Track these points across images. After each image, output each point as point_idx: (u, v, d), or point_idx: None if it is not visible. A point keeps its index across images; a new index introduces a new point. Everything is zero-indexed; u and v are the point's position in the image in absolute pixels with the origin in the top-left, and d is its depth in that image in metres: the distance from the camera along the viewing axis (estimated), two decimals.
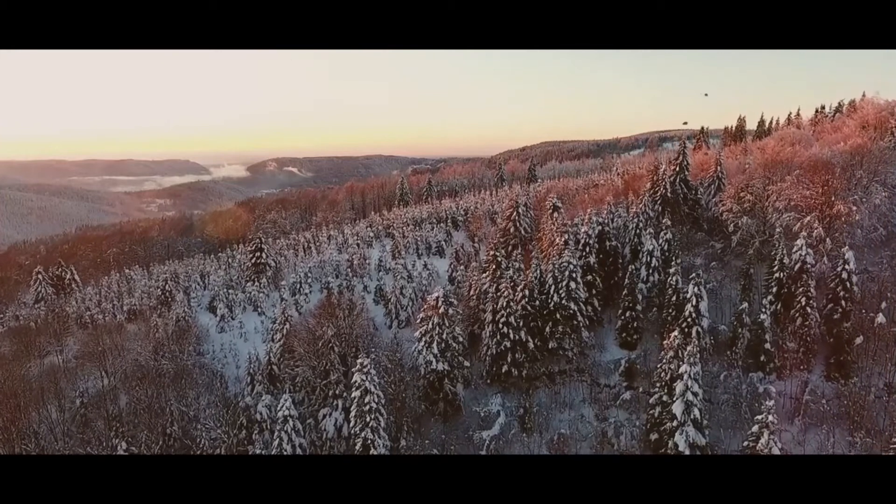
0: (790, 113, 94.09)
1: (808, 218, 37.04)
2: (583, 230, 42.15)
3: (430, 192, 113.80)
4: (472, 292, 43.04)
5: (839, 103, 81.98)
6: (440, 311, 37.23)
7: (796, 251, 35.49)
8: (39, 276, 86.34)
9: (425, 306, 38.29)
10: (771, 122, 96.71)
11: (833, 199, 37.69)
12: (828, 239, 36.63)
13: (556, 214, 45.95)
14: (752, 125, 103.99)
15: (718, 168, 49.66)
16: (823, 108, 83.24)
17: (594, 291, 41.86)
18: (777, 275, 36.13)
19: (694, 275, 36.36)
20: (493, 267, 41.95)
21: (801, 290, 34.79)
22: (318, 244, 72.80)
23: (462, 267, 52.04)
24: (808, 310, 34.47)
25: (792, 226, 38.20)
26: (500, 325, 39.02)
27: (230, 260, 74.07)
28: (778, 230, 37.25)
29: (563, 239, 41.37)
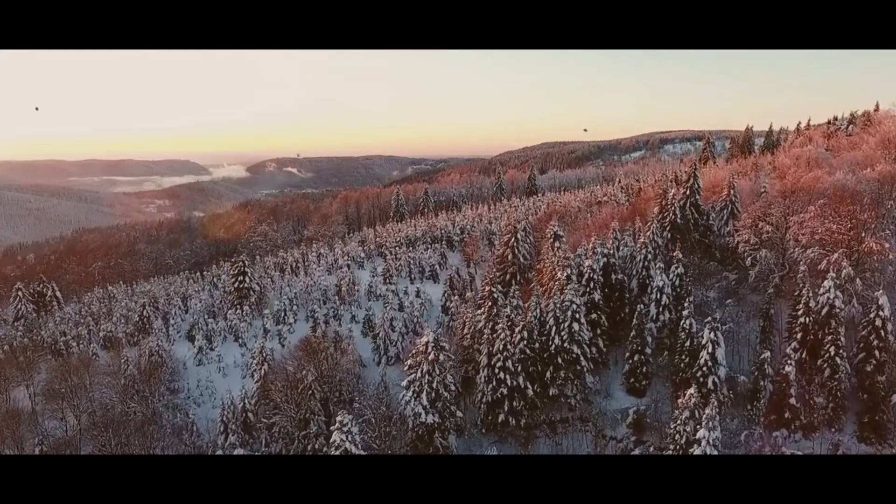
0: (799, 123, 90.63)
1: (836, 255, 33.58)
2: (587, 264, 38.72)
3: (427, 202, 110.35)
4: (465, 330, 39.62)
5: (852, 114, 78.52)
6: (430, 358, 33.83)
7: (823, 293, 32.09)
8: (20, 294, 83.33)
9: (414, 350, 34.89)
10: (779, 134, 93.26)
11: (862, 233, 34.27)
12: (858, 279, 33.21)
13: (557, 244, 42.54)
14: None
15: (731, 191, 46.19)
16: (836, 119, 79.69)
17: (599, 331, 38.48)
18: (802, 319, 32.68)
19: (710, 319, 33.03)
20: (489, 304, 38.52)
21: (829, 337, 31.42)
22: (306, 264, 69.33)
23: (457, 296, 48.64)
24: (838, 360, 31.10)
25: (817, 263, 34.74)
26: (497, 370, 35.64)
27: (215, 280, 70.66)
28: (802, 268, 33.80)
29: (565, 273, 37.97)
